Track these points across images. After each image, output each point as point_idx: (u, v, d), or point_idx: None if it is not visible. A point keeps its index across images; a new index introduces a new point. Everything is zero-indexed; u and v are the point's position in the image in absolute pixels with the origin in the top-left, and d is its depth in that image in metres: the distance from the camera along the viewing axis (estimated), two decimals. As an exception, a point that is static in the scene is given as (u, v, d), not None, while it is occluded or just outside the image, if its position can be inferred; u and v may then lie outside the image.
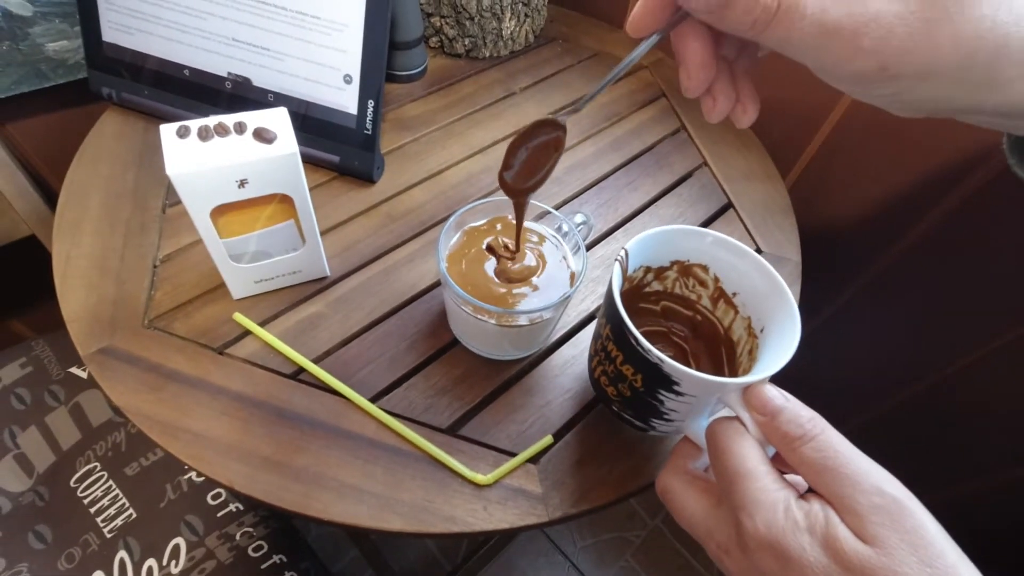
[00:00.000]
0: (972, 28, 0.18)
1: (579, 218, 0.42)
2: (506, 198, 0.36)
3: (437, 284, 0.46)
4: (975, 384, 0.56)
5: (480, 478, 0.36)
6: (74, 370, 0.61)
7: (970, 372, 0.56)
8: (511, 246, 0.39)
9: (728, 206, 0.55)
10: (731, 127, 0.62)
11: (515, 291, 0.38)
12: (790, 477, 0.26)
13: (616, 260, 0.33)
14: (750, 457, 0.26)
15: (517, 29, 0.67)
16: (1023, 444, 0.54)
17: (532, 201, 0.40)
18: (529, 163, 0.33)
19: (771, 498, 0.24)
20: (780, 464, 0.27)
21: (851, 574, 0.21)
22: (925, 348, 0.60)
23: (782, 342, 0.31)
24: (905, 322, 0.61)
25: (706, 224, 0.53)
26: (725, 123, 0.66)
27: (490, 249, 0.40)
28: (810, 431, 0.25)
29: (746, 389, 0.28)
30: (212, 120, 0.34)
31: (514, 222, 0.38)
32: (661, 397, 0.31)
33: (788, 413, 0.26)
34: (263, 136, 0.34)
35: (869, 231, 0.61)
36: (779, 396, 0.27)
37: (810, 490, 0.25)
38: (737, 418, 0.28)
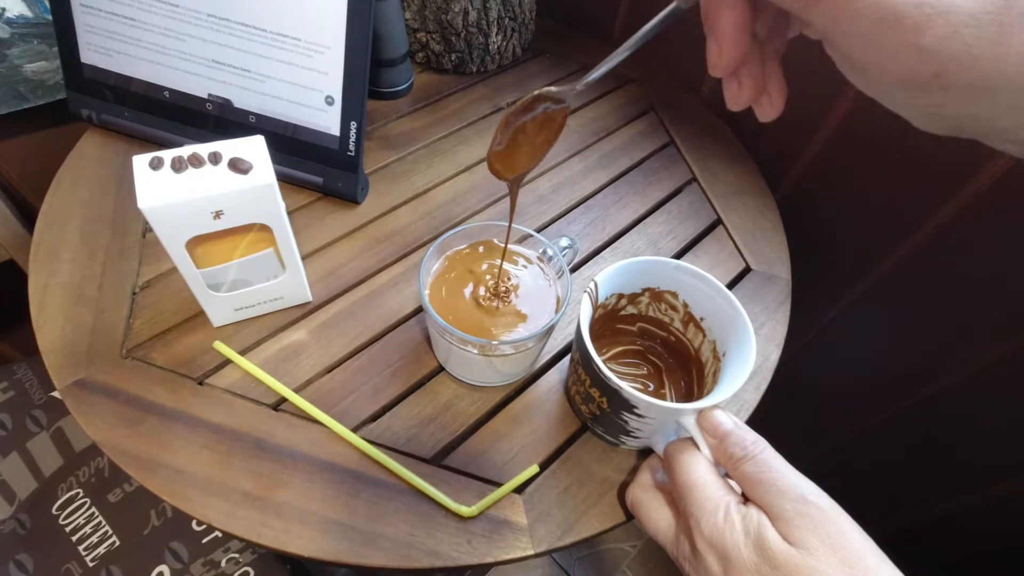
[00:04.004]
0: None
1: (564, 242, 0.42)
2: (488, 222, 0.36)
3: (421, 309, 0.45)
4: (969, 397, 0.56)
5: (465, 510, 0.36)
6: (56, 394, 0.60)
7: (964, 384, 0.56)
8: (498, 289, 0.38)
9: (718, 223, 0.55)
10: (721, 142, 0.62)
11: (499, 317, 0.37)
12: (735, 486, 0.29)
13: (585, 291, 0.35)
14: (699, 471, 0.29)
15: (504, 44, 0.67)
16: (1019, 456, 0.54)
17: (517, 225, 0.40)
18: (524, 141, 0.30)
19: (714, 504, 0.27)
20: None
21: (778, 572, 0.24)
22: (920, 361, 0.59)
23: (739, 368, 0.33)
24: (898, 335, 0.61)
25: (695, 242, 0.53)
26: (715, 138, 0.65)
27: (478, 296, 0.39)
28: (751, 451, 0.28)
29: (700, 413, 0.31)
30: (186, 151, 0.34)
31: (500, 244, 0.37)
32: (625, 418, 0.34)
33: (734, 436, 0.29)
34: (238, 167, 0.34)
35: (861, 245, 0.61)
36: (728, 421, 0.30)
37: (750, 499, 0.28)
38: (691, 439, 0.31)
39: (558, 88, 0.28)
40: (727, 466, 0.29)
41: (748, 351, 0.33)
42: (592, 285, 0.35)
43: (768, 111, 0.24)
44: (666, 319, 0.40)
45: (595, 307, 0.37)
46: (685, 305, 0.38)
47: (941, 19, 0.16)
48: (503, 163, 0.31)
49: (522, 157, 0.31)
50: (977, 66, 0.17)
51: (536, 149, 0.30)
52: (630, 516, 0.36)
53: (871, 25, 0.17)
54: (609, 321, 0.42)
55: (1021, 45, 0.16)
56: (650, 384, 0.41)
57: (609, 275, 0.36)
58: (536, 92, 0.28)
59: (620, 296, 0.40)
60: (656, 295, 0.39)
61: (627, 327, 0.42)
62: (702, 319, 0.38)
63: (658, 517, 0.32)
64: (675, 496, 0.30)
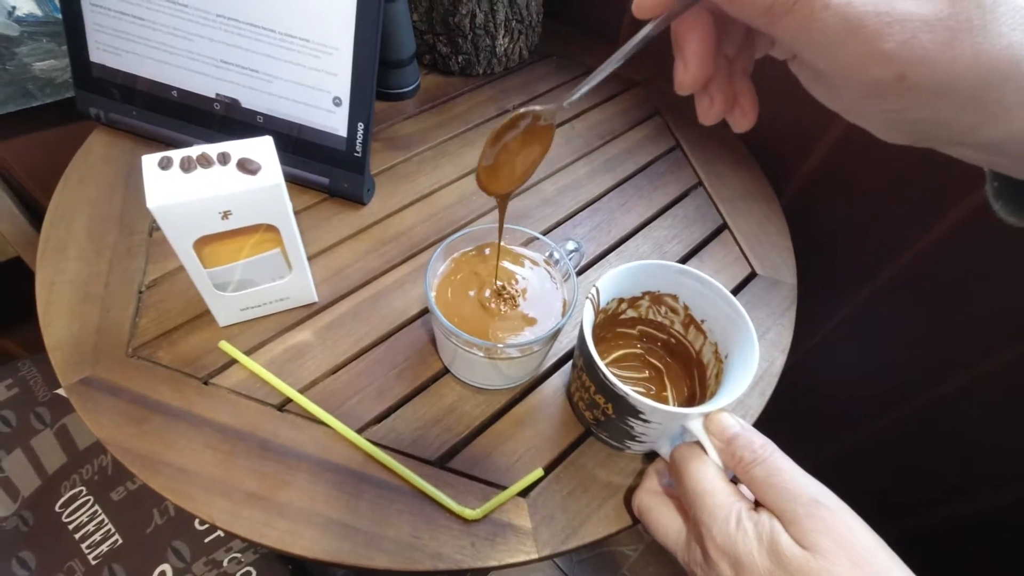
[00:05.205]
0: (991, 44, 0.17)
1: (570, 245, 0.42)
2: (495, 225, 0.36)
3: (426, 311, 0.45)
4: (973, 401, 0.56)
5: (469, 513, 0.36)
6: (61, 392, 0.60)
7: (969, 389, 0.55)
8: (505, 292, 0.38)
9: (723, 227, 0.55)
10: (727, 145, 0.62)
11: (505, 320, 0.37)
12: (745, 490, 0.29)
13: (587, 298, 0.35)
14: (708, 477, 0.29)
15: (511, 46, 0.67)
16: (1020, 463, 0.53)
17: (524, 228, 0.40)
18: (510, 158, 0.30)
19: (726, 512, 0.27)
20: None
21: None
22: (924, 365, 0.59)
23: (743, 370, 0.33)
24: (903, 340, 0.61)
25: (701, 246, 0.53)
26: (721, 141, 0.65)
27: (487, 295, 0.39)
28: (760, 455, 0.28)
29: (706, 417, 0.31)
30: (195, 151, 0.34)
31: (506, 247, 0.37)
32: (631, 423, 0.34)
33: (742, 439, 0.29)
34: (247, 167, 0.34)
35: (866, 250, 0.60)
36: (735, 424, 0.30)
37: (761, 504, 0.28)
38: (698, 443, 0.31)
39: (542, 107, 0.28)
40: (736, 470, 0.29)
41: (751, 352, 0.33)
42: (594, 291, 0.35)
43: (741, 122, 0.25)
44: (666, 322, 0.40)
45: (597, 312, 0.37)
46: (685, 308, 0.39)
47: (899, 26, 0.17)
48: (491, 179, 0.31)
49: (509, 174, 0.31)
50: (935, 68, 0.18)
51: (523, 167, 0.31)
52: (635, 521, 0.36)
53: (835, 35, 0.18)
54: (610, 325, 0.42)
55: (970, 47, 0.17)
56: (652, 387, 0.40)
57: (610, 280, 0.36)
58: (521, 110, 0.28)
59: (621, 300, 0.40)
60: (656, 298, 0.39)
61: (628, 330, 0.42)
62: (703, 321, 0.38)
63: (667, 523, 0.32)
64: (684, 503, 0.30)
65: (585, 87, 0.26)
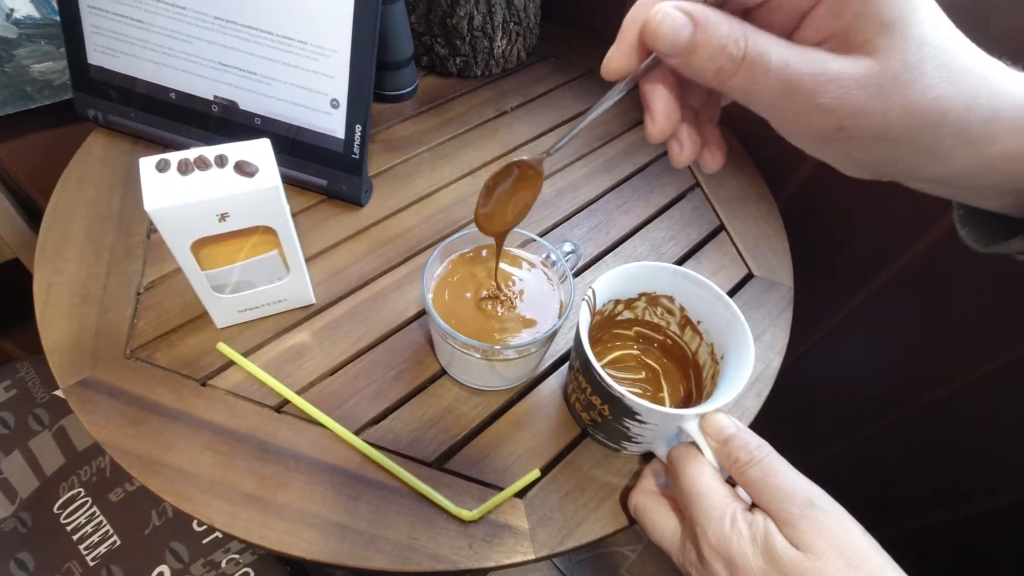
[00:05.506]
0: (919, 97, 0.19)
1: (567, 247, 0.42)
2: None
3: (423, 312, 0.46)
4: (970, 404, 0.56)
5: (466, 514, 0.36)
6: (59, 393, 0.60)
7: (966, 392, 0.56)
8: (502, 294, 0.39)
9: (720, 228, 0.55)
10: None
11: (502, 322, 0.38)
12: (740, 492, 0.29)
13: (583, 299, 0.35)
14: (704, 478, 0.30)
15: (509, 48, 0.67)
16: (1020, 464, 0.53)
17: (521, 230, 0.40)
18: (504, 203, 0.33)
19: (720, 512, 0.28)
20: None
21: None
22: (921, 368, 0.59)
23: (739, 372, 0.33)
24: (900, 342, 0.61)
25: (698, 248, 0.53)
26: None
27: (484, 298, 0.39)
28: (756, 456, 0.28)
29: (702, 417, 0.31)
30: (192, 153, 0.34)
31: (505, 249, 0.38)
32: (627, 424, 0.34)
33: (738, 440, 0.29)
34: (244, 169, 0.34)
35: (863, 251, 0.61)
36: (731, 425, 0.30)
37: (756, 505, 0.28)
38: (695, 444, 0.31)
39: (531, 157, 0.31)
40: (732, 470, 0.29)
41: (747, 354, 0.33)
42: (590, 292, 0.36)
43: (710, 164, 0.27)
44: (663, 323, 0.41)
45: (593, 314, 0.37)
46: (682, 309, 0.39)
47: (832, 84, 0.19)
48: (488, 223, 0.34)
49: (504, 217, 0.34)
50: (870, 119, 0.20)
51: (515, 211, 0.34)
52: (632, 521, 0.36)
53: (777, 94, 0.20)
54: (606, 327, 0.42)
55: (901, 100, 0.19)
56: (648, 388, 0.41)
57: (606, 282, 0.36)
58: (512, 161, 0.31)
59: (617, 302, 0.40)
60: (652, 299, 0.40)
61: (624, 331, 0.43)
62: (699, 322, 0.38)
63: (663, 524, 0.32)
64: (680, 503, 0.31)
65: (566, 139, 0.28)
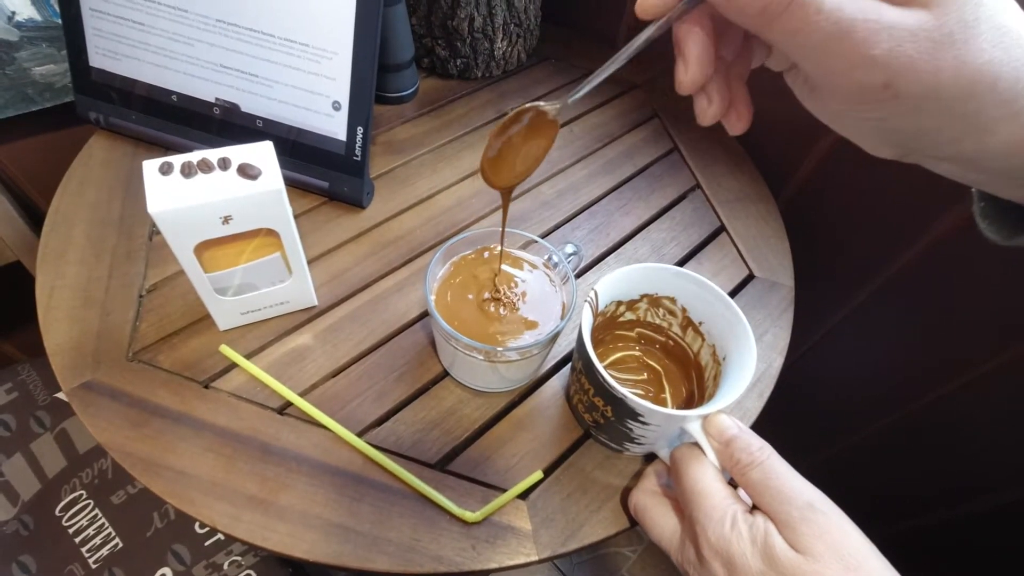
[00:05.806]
0: (972, 59, 0.18)
1: (569, 248, 0.42)
2: (494, 228, 0.36)
3: (425, 314, 0.46)
4: (970, 404, 0.56)
5: (469, 515, 0.36)
6: (60, 395, 0.60)
7: (966, 391, 0.56)
8: (504, 295, 0.39)
9: (721, 229, 0.55)
10: (724, 147, 0.62)
11: (505, 323, 0.38)
12: (742, 494, 0.30)
13: (586, 301, 0.35)
14: (706, 478, 0.30)
15: (509, 49, 0.67)
16: (1019, 463, 0.54)
17: (522, 231, 0.40)
18: (514, 149, 0.30)
19: (721, 513, 0.28)
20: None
21: None
22: (921, 367, 0.59)
23: (741, 372, 0.33)
24: (900, 341, 0.61)
25: (699, 249, 0.53)
26: (719, 143, 0.65)
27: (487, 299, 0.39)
28: (757, 457, 0.28)
29: (705, 419, 0.31)
30: (195, 156, 0.34)
31: (505, 250, 0.38)
32: (630, 425, 0.34)
33: (740, 441, 0.29)
34: (247, 172, 0.34)
35: (863, 252, 0.61)
36: (733, 426, 0.30)
37: (757, 506, 0.28)
38: (696, 444, 0.31)
39: (547, 103, 0.29)
40: (733, 472, 0.29)
41: (749, 354, 0.33)
42: (592, 294, 0.36)
43: (736, 125, 0.26)
44: (664, 324, 0.41)
45: (595, 315, 0.37)
46: (683, 310, 0.39)
47: (886, 33, 0.18)
48: (494, 172, 0.31)
49: (513, 168, 0.31)
50: (918, 77, 0.18)
51: (526, 161, 0.31)
52: (634, 522, 0.36)
53: (826, 38, 0.19)
54: (608, 328, 0.42)
55: (952, 60, 0.18)
56: (650, 389, 0.41)
57: (608, 283, 0.37)
58: (526, 104, 0.29)
59: (619, 303, 0.40)
60: (654, 300, 0.40)
61: (626, 332, 0.43)
62: (701, 323, 0.38)
63: (663, 523, 0.32)
64: (681, 503, 0.31)
65: (588, 86, 0.27)
